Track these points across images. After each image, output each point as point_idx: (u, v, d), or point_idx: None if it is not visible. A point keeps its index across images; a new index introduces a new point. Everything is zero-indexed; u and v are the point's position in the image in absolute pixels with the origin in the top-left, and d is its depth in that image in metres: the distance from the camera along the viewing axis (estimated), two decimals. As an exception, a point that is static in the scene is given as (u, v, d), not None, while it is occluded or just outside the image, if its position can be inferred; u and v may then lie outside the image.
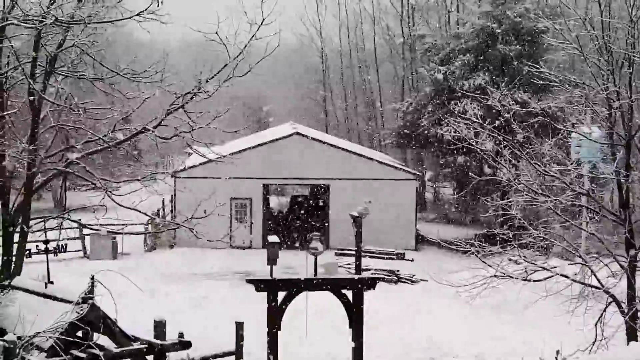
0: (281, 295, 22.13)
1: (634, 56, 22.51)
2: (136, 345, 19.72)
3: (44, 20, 23.74)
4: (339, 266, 31.69)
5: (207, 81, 26.44)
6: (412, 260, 50.33)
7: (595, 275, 22.17)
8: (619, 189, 22.96)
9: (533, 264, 22.47)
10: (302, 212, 63.91)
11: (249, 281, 22.66)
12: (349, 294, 22.52)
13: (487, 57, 61.37)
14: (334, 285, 22.46)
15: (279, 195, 77.09)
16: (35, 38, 25.88)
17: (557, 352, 20.52)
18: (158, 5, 25.11)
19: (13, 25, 25.17)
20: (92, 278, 19.02)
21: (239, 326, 24.49)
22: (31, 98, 26.39)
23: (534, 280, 22.44)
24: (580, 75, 27.07)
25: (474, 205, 63.94)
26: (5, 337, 17.31)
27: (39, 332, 17.81)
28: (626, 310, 21.65)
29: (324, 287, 22.45)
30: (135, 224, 39.48)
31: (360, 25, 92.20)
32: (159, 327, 21.74)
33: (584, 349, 21.27)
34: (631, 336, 21.36)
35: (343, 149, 57.99)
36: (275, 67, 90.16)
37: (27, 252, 29.93)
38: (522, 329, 31.92)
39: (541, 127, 31.47)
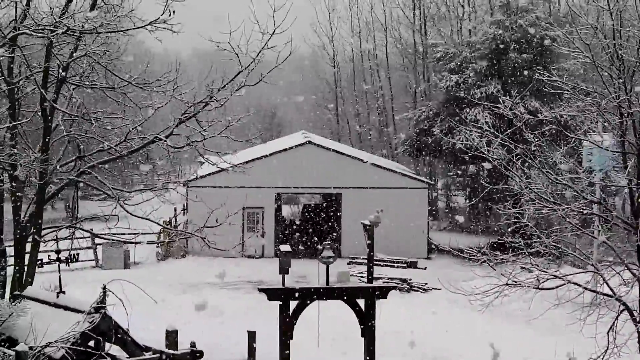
0: (293, 304, 22.15)
1: (645, 64, 22.52)
2: (148, 355, 19.72)
3: (55, 29, 23.79)
4: (351, 275, 31.63)
5: (218, 90, 26.45)
6: (425, 268, 50.26)
7: (607, 283, 22.15)
8: (630, 197, 22.96)
9: (545, 272, 22.46)
10: (315, 220, 63.93)
11: (261, 290, 22.68)
12: (362, 302, 22.53)
13: (499, 66, 61.36)
14: (346, 294, 22.47)
15: (291, 204, 77.06)
16: (47, 47, 25.95)
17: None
18: (170, 15, 25.16)
19: (25, 35, 25.27)
20: (104, 288, 19.05)
21: (251, 335, 24.52)
22: (43, 107, 26.47)
23: (546, 289, 22.44)
24: (591, 83, 27.02)
25: (486, 214, 63.88)
26: (17, 347, 17.34)
27: (51, 342, 17.84)
28: (638, 319, 21.62)
29: (336, 296, 22.46)
30: (148, 233, 39.59)
31: (372, 34, 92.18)
32: (171, 337, 21.80)
33: (596, 357, 21.25)
34: (644, 344, 21.35)
35: (355, 158, 58.01)
36: (288, 76, 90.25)
37: (39, 262, 29.98)
38: (534, 337, 31.85)
39: (553, 135, 31.50)
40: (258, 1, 25.39)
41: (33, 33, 24.71)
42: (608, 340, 21.53)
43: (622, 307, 21.86)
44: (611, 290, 22.00)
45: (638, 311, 21.81)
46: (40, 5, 26.17)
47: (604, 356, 21.27)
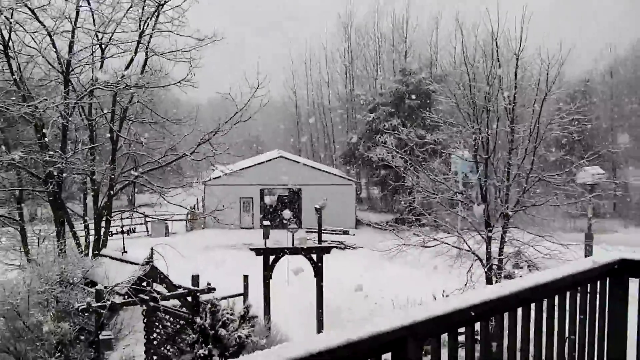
0: (272, 258, 22.20)
1: (489, 107, 22.83)
2: (180, 290, 19.65)
3: (118, 85, 23.76)
4: (308, 239, 31.73)
5: (224, 124, 26.59)
6: (354, 235, 50.41)
7: (467, 243, 22.40)
8: (480, 188, 23.25)
9: (428, 236, 22.67)
10: (285, 205, 63.84)
11: (251, 249, 22.74)
12: (314, 256, 22.62)
13: (399, 108, 61.66)
14: (305, 251, 22.55)
15: (270, 195, 76.80)
16: (113, 97, 25.88)
17: (443, 291, 20.67)
18: (191, 76, 25.27)
19: (98, 89, 25.15)
20: (152, 249, 18.98)
21: (245, 278, 24.50)
22: (111, 135, 26.35)
23: (429, 246, 22.64)
24: (457, 118, 27.31)
25: (392, 200, 64.20)
26: (96, 287, 17.26)
27: (118, 284, 17.76)
28: (485, 264, 21.90)
29: (298, 253, 22.54)
30: (180, 214, 39.29)
31: (320, 87, 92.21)
32: (195, 279, 21.67)
33: (459, 289, 21.49)
34: (489, 281, 21.62)
35: (310, 166, 58.08)
36: (267, 114, 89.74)
37: (110, 232, 29.76)
38: (423, 278, 31.98)
39: (433, 151, 31.74)
40: (249, 66, 25.54)
41: (104, 88, 24.61)
42: (467, 279, 21.79)
43: (475, 258, 22.14)
44: (469, 247, 22.26)
45: (485, 260, 22.09)
46: (108, 69, 26.01)
47: (464, 288, 21.53)
